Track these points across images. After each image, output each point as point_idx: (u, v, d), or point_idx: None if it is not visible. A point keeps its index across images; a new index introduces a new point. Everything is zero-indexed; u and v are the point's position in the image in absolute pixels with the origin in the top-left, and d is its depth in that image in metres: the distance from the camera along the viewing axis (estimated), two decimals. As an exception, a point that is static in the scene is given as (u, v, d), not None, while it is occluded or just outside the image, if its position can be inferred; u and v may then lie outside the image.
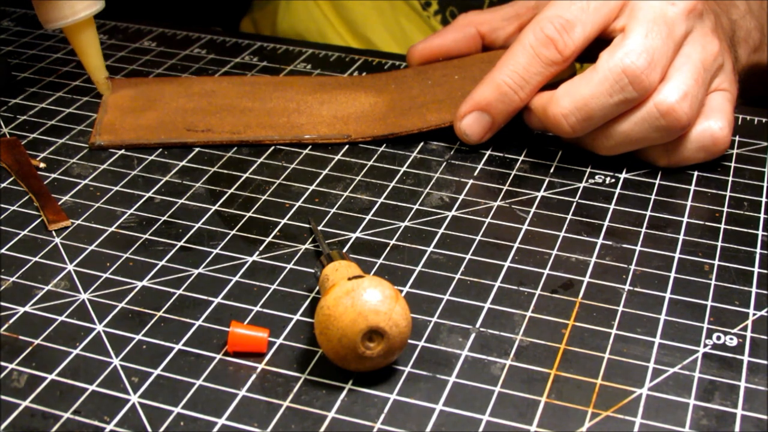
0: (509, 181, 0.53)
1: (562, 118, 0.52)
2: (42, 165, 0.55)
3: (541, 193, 0.52)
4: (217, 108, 0.60)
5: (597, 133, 0.53)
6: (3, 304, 0.44)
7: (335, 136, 0.57)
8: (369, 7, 0.77)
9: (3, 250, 0.47)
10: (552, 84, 0.54)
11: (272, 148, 0.56)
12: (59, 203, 0.51)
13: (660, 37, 0.51)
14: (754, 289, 0.45)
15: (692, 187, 0.53)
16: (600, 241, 0.48)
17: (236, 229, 0.49)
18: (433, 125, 0.56)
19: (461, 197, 0.52)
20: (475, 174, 0.54)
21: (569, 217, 0.50)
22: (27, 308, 0.44)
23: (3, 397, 0.39)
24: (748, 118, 0.60)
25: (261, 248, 0.48)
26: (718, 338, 0.42)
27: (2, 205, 0.51)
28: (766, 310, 0.44)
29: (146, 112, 0.59)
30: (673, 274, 0.46)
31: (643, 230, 0.49)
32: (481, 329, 0.42)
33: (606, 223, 0.50)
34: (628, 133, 0.52)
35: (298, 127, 0.58)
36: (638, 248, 0.48)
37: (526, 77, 0.53)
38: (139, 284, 0.45)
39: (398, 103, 0.59)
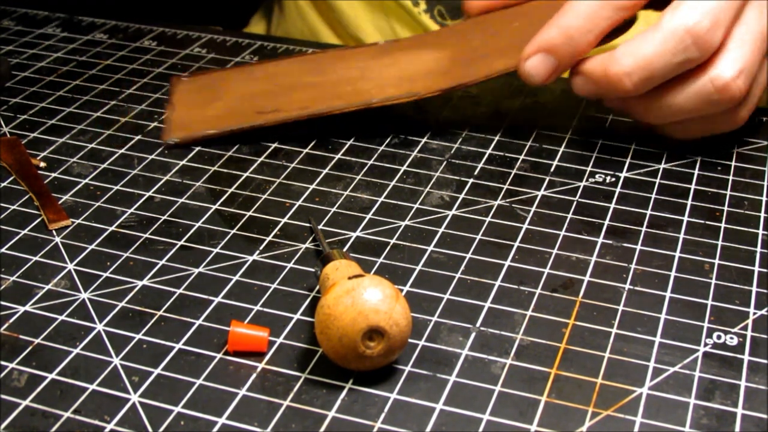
0: (509, 180, 0.53)
1: (625, 76, 0.51)
2: (42, 164, 0.55)
3: (542, 192, 0.52)
4: (283, 88, 0.59)
5: (650, 102, 0.53)
6: (3, 303, 0.44)
7: (404, 95, 0.56)
8: (360, 9, 0.77)
9: (3, 250, 0.47)
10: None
11: (272, 147, 0.56)
12: (59, 202, 0.51)
13: None
14: (754, 289, 0.45)
15: (693, 186, 0.53)
16: (600, 240, 0.48)
17: (236, 228, 0.49)
18: (499, 71, 0.55)
19: (461, 196, 0.52)
20: (476, 173, 0.54)
21: (569, 216, 0.50)
22: (27, 307, 0.44)
23: (3, 396, 0.39)
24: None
25: (261, 247, 0.48)
26: (719, 337, 0.42)
27: (2, 205, 0.51)
28: (766, 309, 0.44)
29: (213, 103, 0.59)
30: (673, 273, 0.46)
31: (644, 229, 0.49)
32: (482, 328, 0.42)
33: (606, 222, 0.50)
34: (681, 104, 0.52)
35: (366, 92, 0.57)
36: (639, 247, 0.48)
37: (595, 21, 0.52)
38: (140, 283, 0.45)
39: (461, 56, 0.58)
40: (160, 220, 0.50)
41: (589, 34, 0.52)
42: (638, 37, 0.51)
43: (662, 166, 0.54)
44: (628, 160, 0.55)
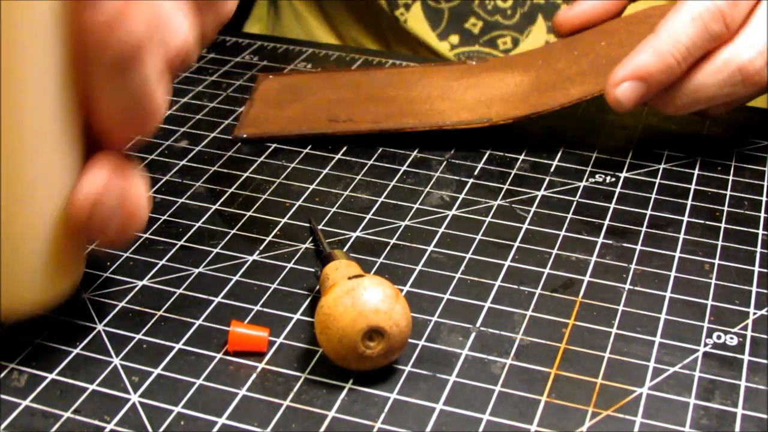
0: (509, 180, 0.53)
1: (674, 61, 0.51)
2: (42, 164, 0.55)
3: (542, 192, 0.52)
4: (361, 98, 0.60)
5: (673, 89, 0.53)
6: (3, 303, 0.44)
7: (476, 120, 0.56)
8: (351, 11, 0.76)
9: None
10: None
11: (272, 147, 0.56)
12: (59, 202, 0.51)
13: None
14: (754, 289, 0.45)
15: (693, 186, 0.53)
16: (600, 240, 0.48)
17: (236, 228, 0.49)
18: (575, 99, 0.54)
19: (461, 196, 0.52)
20: (476, 173, 0.54)
21: (569, 216, 0.50)
22: (27, 307, 0.44)
23: (3, 396, 0.39)
24: (749, 117, 0.60)
25: (261, 247, 0.48)
26: (719, 337, 0.42)
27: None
28: (766, 309, 0.44)
29: (291, 105, 0.60)
30: (673, 274, 0.46)
31: (644, 229, 0.49)
32: (482, 328, 0.42)
33: (606, 222, 0.50)
34: (702, 89, 0.52)
35: (439, 114, 0.57)
36: (638, 247, 0.48)
37: (691, 50, 0.51)
38: (140, 283, 0.45)
39: (543, 79, 0.58)
40: (160, 220, 0.50)
41: (684, 63, 0.51)
42: (668, 24, 0.51)
43: (662, 166, 0.54)
44: (628, 160, 0.55)
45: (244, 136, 0.57)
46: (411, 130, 0.56)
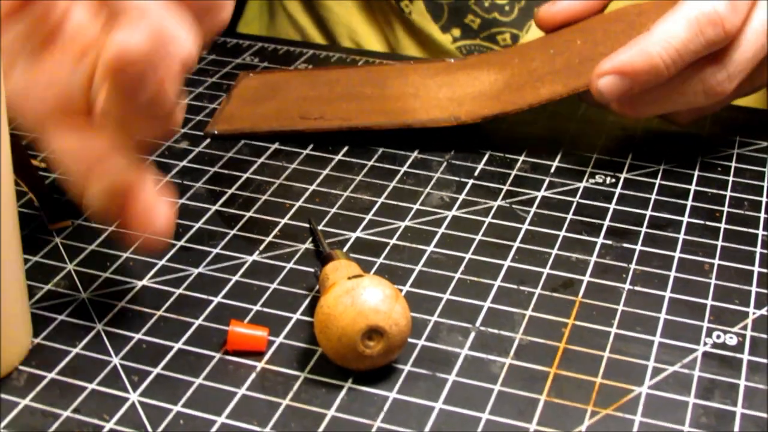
0: (509, 180, 0.53)
1: (662, 62, 0.50)
2: (42, 164, 0.55)
3: (542, 193, 0.52)
4: (335, 96, 0.60)
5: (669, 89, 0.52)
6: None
7: (444, 119, 0.56)
8: (354, 10, 0.76)
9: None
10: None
11: (273, 148, 0.56)
12: (60, 202, 0.51)
13: None
14: (753, 288, 0.45)
15: (692, 187, 0.53)
16: (600, 240, 0.48)
17: (236, 228, 0.49)
18: (545, 99, 0.54)
19: (461, 197, 0.52)
20: (476, 174, 0.54)
21: (569, 216, 0.50)
22: (27, 307, 0.44)
23: (3, 395, 0.39)
24: (749, 117, 0.60)
25: (261, 248, 0.48)
26: (718, 337, 0.42)
27: (3, 205, 0.51)
28: (765, 309, 0.44)
29: (266, 102, 0.61)
30: (673, 274, 0.46)
31: (644, 230, 0.49)
32: (481, 328, 0.42)
33: (606, 223, 0.50)
34: (661, 97, 0.52)
35: (411, 112, 0.57)
36: (638, 248, 0.48)
37: (682, 54, 0.50)
38: (139, 283, 0.45)
39: (516, 78, 0.58)
40: (161, 221, 0.50)
41: (672, 67, 0.50)
42: (662, 24, 0.50)
43: (662, 166, 0.54)
44: (627, 161, 0.55)
45: (215, 132, 0.58)
46: (379, 128, 0.56)
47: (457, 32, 0.72)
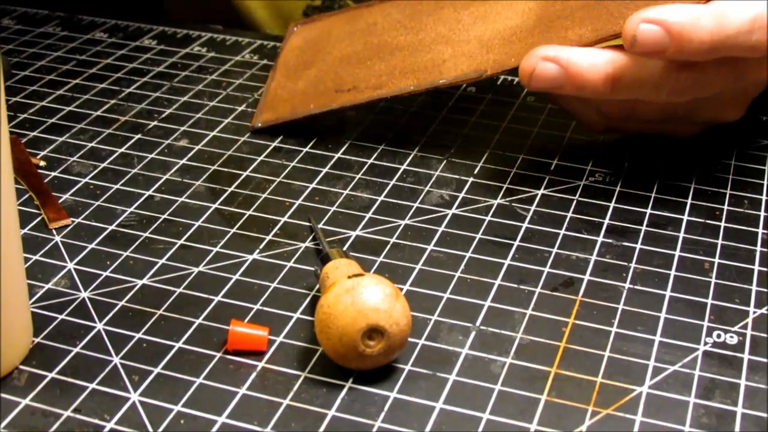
0: (509, 179, 0.53)
1: (704, 37, 0.47)
2: (42, 163, 0.55)
3: (542, 191, 0.52)
4: (370, 50, 0.60)
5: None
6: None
7: (471, 75, 0.54)
8: None
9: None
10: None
11: (272, 146, 0.56)
12: (59, 201, 0.51)
13: None
14: (754, 287, 0.45)
15: (692, 185, 0.53)
16: (600, 239, 0.48)
17: (236, 227, 0.49)
18: (572, 43, 0.51)
19: (461, 195, 0.52)
20: (476, 172, 0.54)
21: (569, 215, 0.50)
22: (27, 306, 0.44)
23: (3, 395, 0.39)
24: (749, 117, 0.60)
25: (261, 246, 0.48)
26: (719, 336, 0.42)
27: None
28: (766, 308, 0.44)
29: (307, 71, 0.61)
30: (673, 272, 0.46)
31: (644, 228, 0.49)
32: (482, 327, 0.42)
33: (606, 221, 0.50)
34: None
35: (439, 66, 0.56)
36: (638, 246, 0.48)
37: (729, 45, 0.47)
38: (140, 282, 0.45)
39: (551, 8, 0.54)
40: (160, 219, 0.50)
41: (709, 53, 0.47)
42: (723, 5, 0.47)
43: (662, 165, 0.54)
44: (627, 159, 0.55)
45: (259, 125, 0.58)
46: (409, 94, 0.55)
47: None
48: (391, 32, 0.61)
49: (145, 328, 0.42)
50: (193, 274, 0.46)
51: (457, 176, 0.54)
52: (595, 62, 0.48)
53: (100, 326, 0.42)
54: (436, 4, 0.61)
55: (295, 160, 0.55)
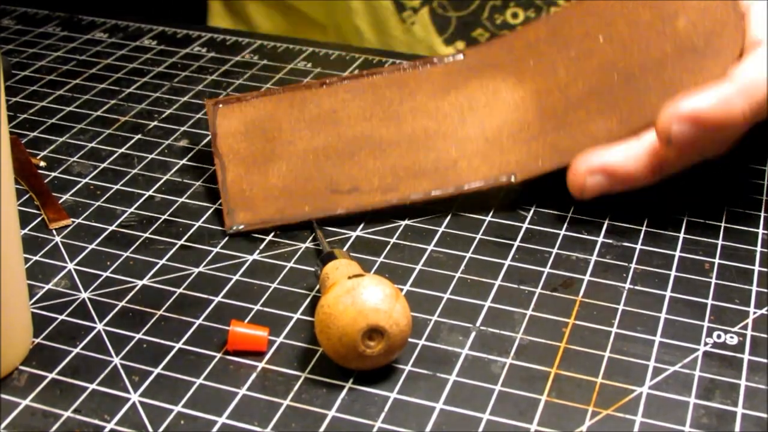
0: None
1: (741, 111, 0.47)
2: (42, 163, 0.55)
3: (541, 192, 0.52)
4: (350, 144, 0.53)
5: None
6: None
7: (501, 180, 0.50)
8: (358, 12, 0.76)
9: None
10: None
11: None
12: (60, 202, 0.51)
13: None
14: (754, 288, 0.45)
15: (692, 185, 0.53)
16: (600, 239, 0.48)
17: (236, 227, 0.49)
18: (603, 141, 0.49)
19: (461, 195, 0.52)
20: (476, 172, 0.54)
21: (569, 215, 0.50)
22: (27, 307, 0.44)
23: (3, 395, 0.39)
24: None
25: (261, 247, 0.48)
26: (719, 337, 0.42)
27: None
28: (766, 308, 0.44)
29: (272, 163, 0.52)
30: (673, 273, 0.46)
31: (644, 228, 0.49)
32: (482, 328, 0.42)
33: (606, 222, 0.50)
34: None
35: (452, 168, 0.51)
36: (638, 246, 0.48)
37: (763, 105, 0.47)
38: (140, 283, 0.45)
39: (547, 99, 0.52)
40: (161, 220, 0.50)
41: (752, 118, 0.47)
42: (745, 71, 0.47)
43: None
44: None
45: (240, 227, 0.49)
46: (435, 199, 0.50)
47: (461, 45, 0.72)
48: (364, 123, 0.54)
49: (145, 328, 0.42)
50: (193, 275, 0.46)
51: (457, 176, 0.53)
52: (637, 155, 0.48)
53: (100, 327, 0.42)
54: (400, 92, 0.55)
55: (295, 161, 0.55)
